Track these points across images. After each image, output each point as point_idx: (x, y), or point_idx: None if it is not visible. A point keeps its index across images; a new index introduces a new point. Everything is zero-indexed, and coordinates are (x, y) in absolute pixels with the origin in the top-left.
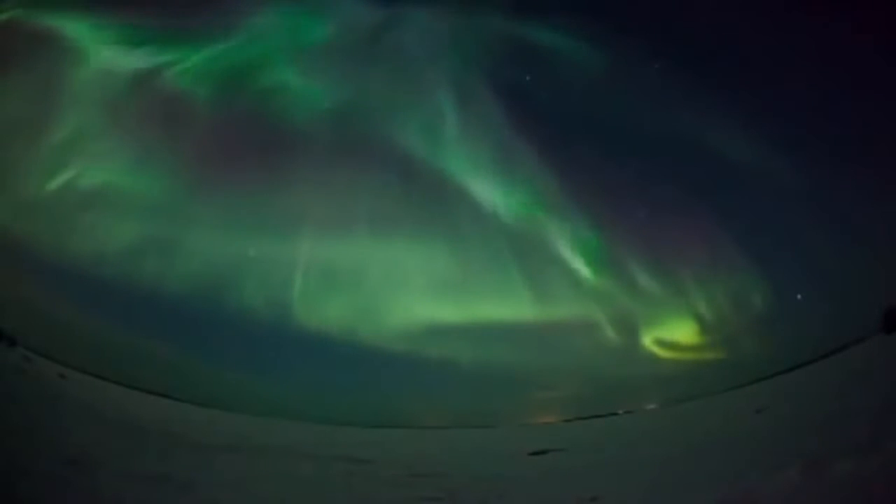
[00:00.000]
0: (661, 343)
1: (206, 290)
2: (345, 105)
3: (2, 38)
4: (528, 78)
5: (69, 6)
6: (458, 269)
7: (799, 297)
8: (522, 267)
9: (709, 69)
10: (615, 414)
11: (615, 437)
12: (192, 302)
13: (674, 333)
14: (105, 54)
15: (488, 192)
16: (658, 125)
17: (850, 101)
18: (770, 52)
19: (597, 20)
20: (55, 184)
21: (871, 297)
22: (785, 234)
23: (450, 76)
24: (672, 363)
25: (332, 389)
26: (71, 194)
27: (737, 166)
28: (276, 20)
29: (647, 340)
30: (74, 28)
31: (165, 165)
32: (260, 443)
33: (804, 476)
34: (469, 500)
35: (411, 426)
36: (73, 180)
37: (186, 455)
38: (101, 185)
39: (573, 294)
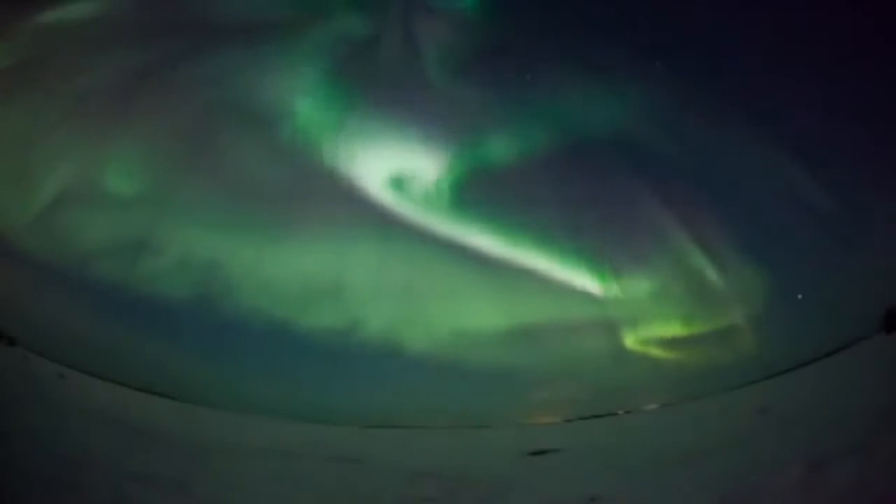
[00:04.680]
0: (661, 343)
1: (206, 290)
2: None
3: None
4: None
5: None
6: (456, 269)
7: (799, 296)
8: (521, 267)
9: (710, 68)
10: (615, 414)
11: (615, 437)
12: (192, 301)
13: (673, 333)
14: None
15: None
16: (656, 122)
17: (852, 100)
18: (771, 48)
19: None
20: (54, 181)
21: (871, 297)
22: (785, 234)
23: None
24: (672, 363)
25: (330, 389)
26: (71, 192)
27: (736, 166)
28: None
29: (647, 340)
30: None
31: (169, 162)
32: (258, 443)
33: (805, 476)
34: (469, 500)
35: (411, 426)
36: (72, 178)
37: (185, 455)
38: (101, 182)
39: (573, 294)
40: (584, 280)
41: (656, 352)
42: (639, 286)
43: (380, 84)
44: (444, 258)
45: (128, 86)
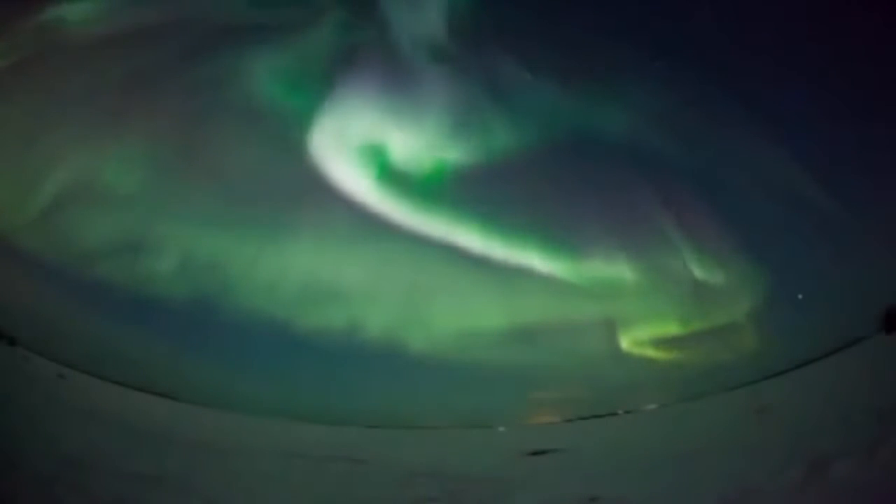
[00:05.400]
0: (661, 343)
1: (206, 290)
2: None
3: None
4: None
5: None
6: (456, 269)
7: (799, 296)
8: (521, 266)
9: (711, 68)
10: (615, 414)
11: (615, 437)
12: (192, 302)
13: (673, 333)
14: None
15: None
16: (656, 122)
17: (852, 100)
18: (772, 48)
19: None
20: (54, 182)
21: (871, 297)
22: (785, 234)
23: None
24: (672, 363)
25: (331, 389)
26: (71, 192)
27: (737, 166)
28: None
29: (647, 340)
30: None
31: (170, 163)
32: (259, 443)
33: (805, 476)
34: (469, 500)
35: (411, 426)
36: (72, 178)
37: (185, 455)
38: (101, 182)
39: (573, 294)
40: (583, 280)
41: (656, 352)
42: (639, 286)
43: (378, 85)
44: (444, 258)
45: (126, 87)
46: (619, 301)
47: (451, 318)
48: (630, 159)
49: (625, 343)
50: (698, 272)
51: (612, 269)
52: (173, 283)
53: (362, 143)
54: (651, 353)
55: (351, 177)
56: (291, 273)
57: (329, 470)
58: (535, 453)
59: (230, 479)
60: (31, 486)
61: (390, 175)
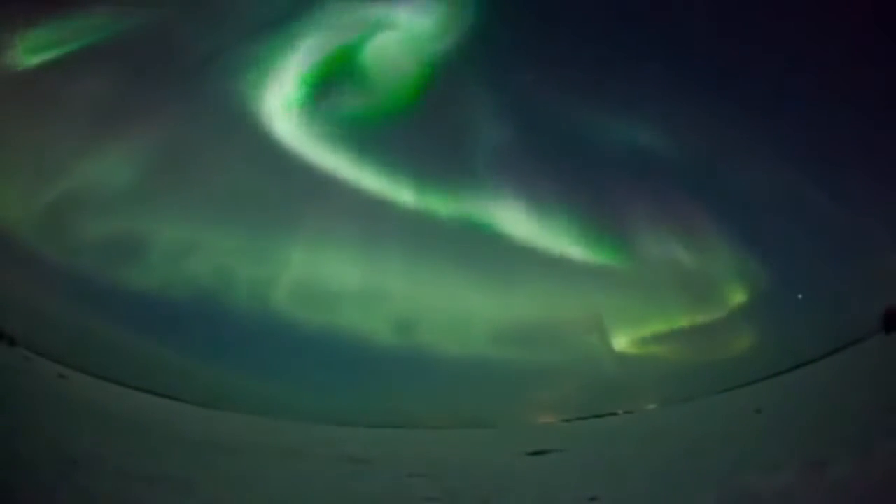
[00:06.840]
0: (661, 343)
1: (207, 290)
2: None
3: None
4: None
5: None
6: (457, 268)
7: (799, 297)
8: (522, 265)
9: (711, 68)
10: (615, 414)
11: (615, 437)
12: (192, 302)
13: (674, 334)
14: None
15: (490, 189)
16: (656, 121)
17: (852, 101)
18: (768, 56)
19: None
20: (56, 183)
21: (871, 297)
22: (785, 234)
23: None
24: (672, 363)
25: (332, 389)
26: (72, 193)
27: (738, 167)
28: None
29: (647, 340)
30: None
31: (171, 162)
32: (260, 443)
33: (803, 476)
34: (469, 500)
35: (411, 426)
36: (73, 179)
37: (186, 455)
38: (101, 183)
39: (573, 294)
40: (583, 281)
41: (655, 352)
42: (639, 287)
43: (377, 82)
44: (444, 258)
45: (126, 90)
46: (619, 301)
47: (451, 318)
48: (629, 158)
49: (624, 343)
50: (698, 273)
51: (612, 269)
52: (174, 283)
53: (363, 142)
54: (650, 353)
55: (352, 175)
56: (290, 272)
57: (329, 470)
58: (534, 453)
59: (230, 479)
60: (31, 486)
61: (390, 176)
